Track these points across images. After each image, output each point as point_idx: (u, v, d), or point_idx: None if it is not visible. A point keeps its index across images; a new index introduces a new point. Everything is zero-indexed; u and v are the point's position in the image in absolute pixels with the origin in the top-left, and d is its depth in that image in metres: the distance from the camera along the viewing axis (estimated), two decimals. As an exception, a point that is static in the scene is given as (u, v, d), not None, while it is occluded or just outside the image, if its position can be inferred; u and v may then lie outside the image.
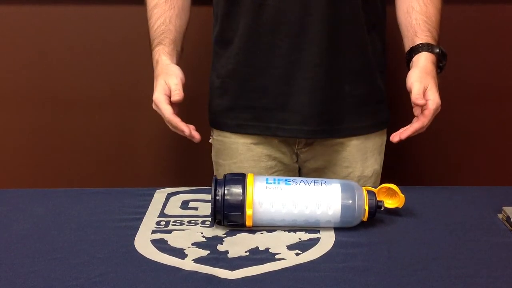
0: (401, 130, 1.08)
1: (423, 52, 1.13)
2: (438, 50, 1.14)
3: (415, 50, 1.14)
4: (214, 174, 1.31)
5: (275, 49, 1.15)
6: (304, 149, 1.25)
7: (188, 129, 1.08)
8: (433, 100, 1.07)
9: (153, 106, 1.13)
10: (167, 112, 1.08)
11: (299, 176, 1.30)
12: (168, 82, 1.11)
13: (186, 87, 1.25)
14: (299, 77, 1.16)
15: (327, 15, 1.13)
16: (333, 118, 1.20)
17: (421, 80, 1.08)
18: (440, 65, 1.16)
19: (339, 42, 1.15)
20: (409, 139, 1.08)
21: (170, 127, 1.13)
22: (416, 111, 1.09)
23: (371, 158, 1.26)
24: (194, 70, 1.38)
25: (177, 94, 1.09)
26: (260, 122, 1.21)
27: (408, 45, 1.17)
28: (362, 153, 1.24)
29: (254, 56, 1.17)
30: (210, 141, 1.30)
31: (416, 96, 1.06)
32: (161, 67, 1.14)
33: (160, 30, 1.18)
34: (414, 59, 1.14)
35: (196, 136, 1.09)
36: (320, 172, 1.26)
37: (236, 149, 1.25)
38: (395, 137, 1.07)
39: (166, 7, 1.20)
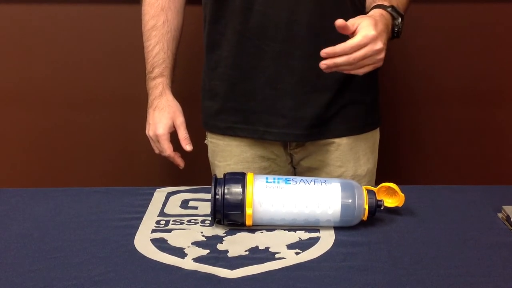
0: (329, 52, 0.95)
1: (374, 8, 1.04)
2: (390, 8, 1.03)
3: (369, 11, 1.05)
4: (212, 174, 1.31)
5: (262, 53, 1.15)
6: (297, 149, 1.25)
7: (183, 163, 1.24)
8: (362, 34, 0.94)
9: (152, 137, 1.23)
10: (170, 149, 1.22)
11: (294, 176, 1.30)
12: (176, 122, 1.22)
13: (181, 87, 1.26)
14: (286, 82, 1.16)
15: (314, 21, 1.12)
16: (321, 122, 1.19)
17: (358, 18, 0.97)
18: (397, 24, 1.04)
19: (327, 47, 1.14)
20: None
21: (156, 151, 1.25)
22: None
23: (364, 157, 1.26)
24: (188, 70, 1.38)
25: (189, 145, 1.22)
26: (249, 125, 1.21)
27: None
28: (354, 152, 1.24)
29: (241, 60, 1.17)
30: (206, 141, 1.30)
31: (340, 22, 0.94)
32: (166, 101, 1.22)
33: (159, 58, 1.22)
34: None
35: (182, 164, 1.25)
36: (314, 171, 1.26)
37: (230, 151, 1.25)
38: (322, 64, 0.96)
39: (163, 31, 1.22)
